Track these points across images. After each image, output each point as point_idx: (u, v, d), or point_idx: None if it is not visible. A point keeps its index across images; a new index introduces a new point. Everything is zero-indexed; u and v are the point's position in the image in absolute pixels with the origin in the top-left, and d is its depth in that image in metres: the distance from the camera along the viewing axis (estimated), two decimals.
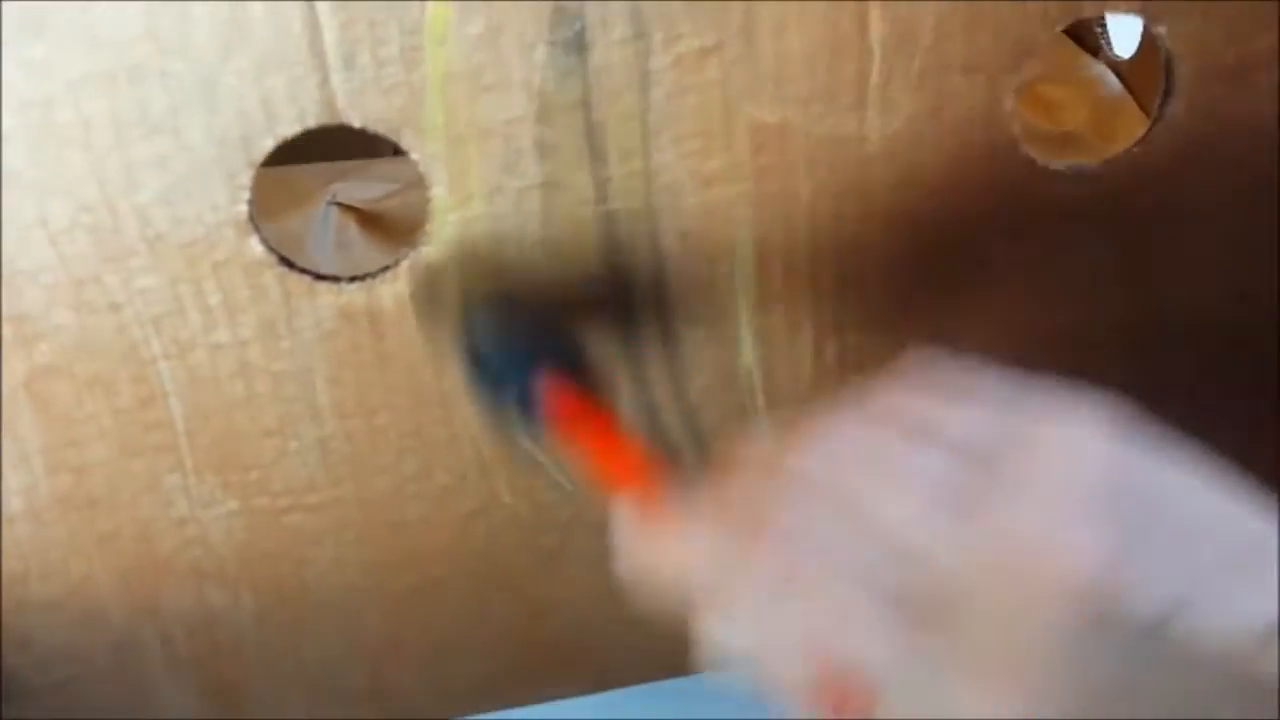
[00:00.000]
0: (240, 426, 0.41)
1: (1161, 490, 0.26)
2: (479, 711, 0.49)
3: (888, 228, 0.41)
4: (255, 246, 0.38)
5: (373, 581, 0.44)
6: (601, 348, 0.40)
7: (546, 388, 0.35)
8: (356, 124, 0.37)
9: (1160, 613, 0.24)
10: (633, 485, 0.32)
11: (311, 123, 0.36)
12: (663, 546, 0.30)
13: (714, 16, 0.36)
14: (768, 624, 0.27)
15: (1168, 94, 0.40)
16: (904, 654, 0.26)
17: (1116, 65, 0.66)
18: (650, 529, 0.30)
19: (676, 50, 0.37)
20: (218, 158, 0.36)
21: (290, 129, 0.36)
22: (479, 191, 0.38)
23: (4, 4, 0.33)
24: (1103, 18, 0.67)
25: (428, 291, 0.39)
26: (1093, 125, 0.65)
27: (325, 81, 0.36)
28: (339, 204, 0.61)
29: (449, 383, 0.41)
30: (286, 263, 0.38)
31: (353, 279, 0.39)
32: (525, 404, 0.35)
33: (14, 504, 0.40)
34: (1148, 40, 0.50)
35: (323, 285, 0.39)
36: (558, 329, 0.38)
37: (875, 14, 0.37)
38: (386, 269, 0.39)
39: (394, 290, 0.39)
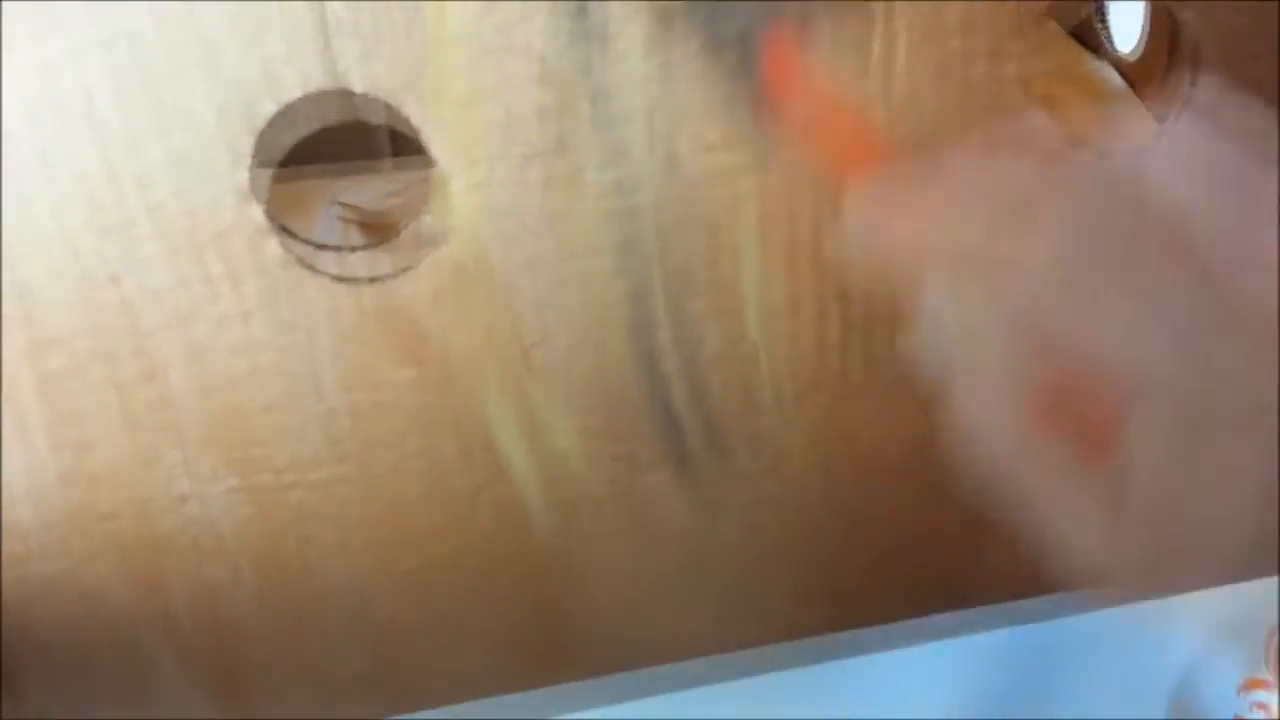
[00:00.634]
0: (242, 401, 0.40)
1: None
2: (489, 696, 0.48)
3: None
4: (257, 215, 0.38)
5: (376, 560, 0.44)
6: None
7: (776, 45, 0.34)
8: (358, 89, 0.36)
9: None
10: (863, 158, 0.31)
11: (312, 87, 0.36)
12: (901, 212, 0.29)
13: None
14: None
15: (1193, 79, 0.40)
16: None
17: (1118, 62, 0.66)
18: (888, 196, 0.30)
19: None
20: (219, 124, 0.36)
21: (291, 94, 0.36)
22: (481, 158, 0.38)
23: None
24: (1104, 14, 0.67)
25: None
26: (1096, 123, 0.65)
27: (327, 46, 0.36)
28: (342, 204, 0.61)
29: (453, 356, 0.41)
30: (288, 232, 0.38)
31: (354, 249, 0.39)
32: (749, 55, 0.34)
33: (15, 484, 0.40)
34: (1149, 37, 0.50)
35: (325, 255, 0.39)
36: None
37: None
38: (388, 240, 0.39)
39: (396, 261, 0.39)
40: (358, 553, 0.44)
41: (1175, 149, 0.28)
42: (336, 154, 0.67)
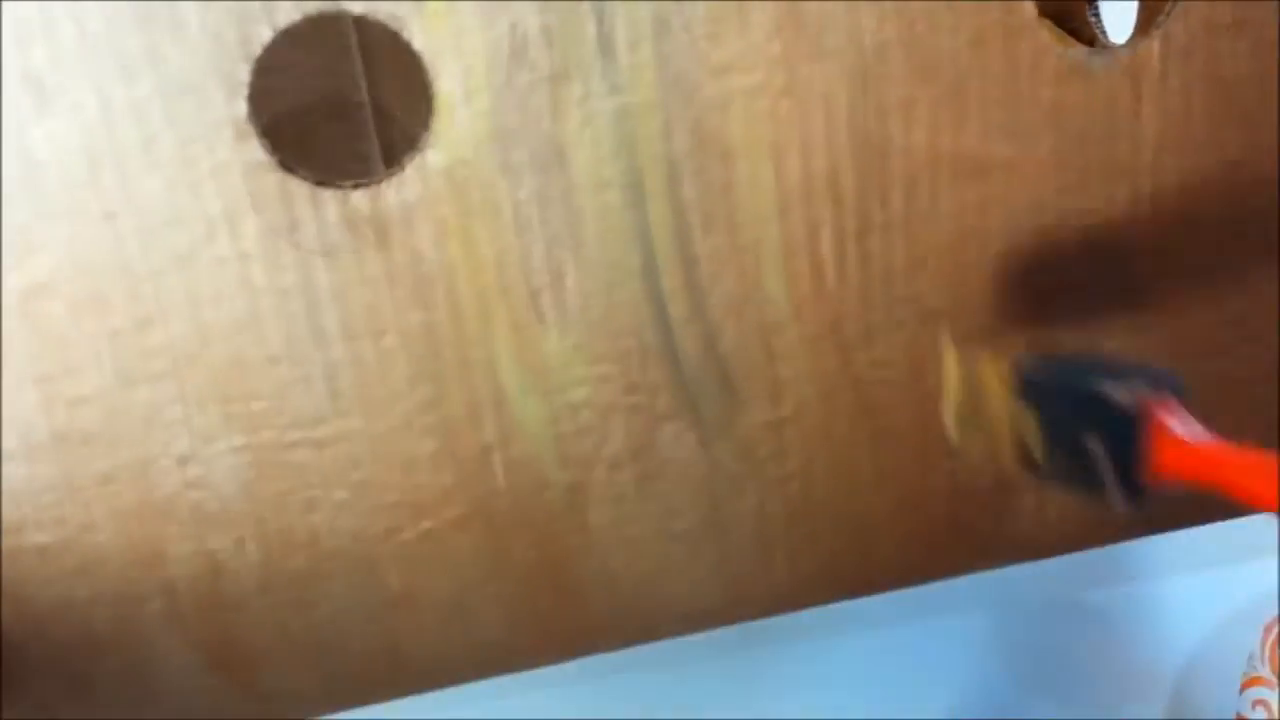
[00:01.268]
0: (243, 351, 0.39)
1: None
2: (501, 672, 0.46)
3: (906, 120, 0.40)
4: (255, 149, 0.36)
5: (384, 527, 0.42)
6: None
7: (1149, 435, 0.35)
8: (357, 11, 0.35)
9: None
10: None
11: (311, 10, 0.35)
12: None
13: None
14: None
15: None
16: None
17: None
18: None
19: None
20: (214, 52, 0.35)
21: (288, 17, 0.35)
22: (485, 85, 0.37)
23: None
24: (1096, 7, 0.67)
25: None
26: None
27: None
28: None
29: (461, 298, 0.39)
30: (287, 167, 0.37)
31: (356, 185, 0.38)
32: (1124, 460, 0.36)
33: (9, 441, 0.38)
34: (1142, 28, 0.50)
35: (326, 193, 0.38)
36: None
37: None
38: (392, 174, 0.38)
39: (401, 197, 0.38)
40: (365, 519, 0.42)
41: None
42: (330, 175, 0.66)
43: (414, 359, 0.40)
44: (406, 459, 0.42)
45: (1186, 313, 0.45)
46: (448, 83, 0.37)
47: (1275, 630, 0.74)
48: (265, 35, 0.35)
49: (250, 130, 0.36)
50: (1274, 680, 0.73)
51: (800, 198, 0.40)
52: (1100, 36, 0.67)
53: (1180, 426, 0.35)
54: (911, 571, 0.47)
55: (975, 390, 0.39)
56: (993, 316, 0.43)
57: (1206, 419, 0.35)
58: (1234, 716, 0.75)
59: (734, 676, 0.75)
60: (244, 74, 0.35)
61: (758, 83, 0.38)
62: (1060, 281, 0.43)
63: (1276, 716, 0.72)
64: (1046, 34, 0.39)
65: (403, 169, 0.38)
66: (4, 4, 0.33)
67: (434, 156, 0.38)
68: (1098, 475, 0.36)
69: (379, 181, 0.38)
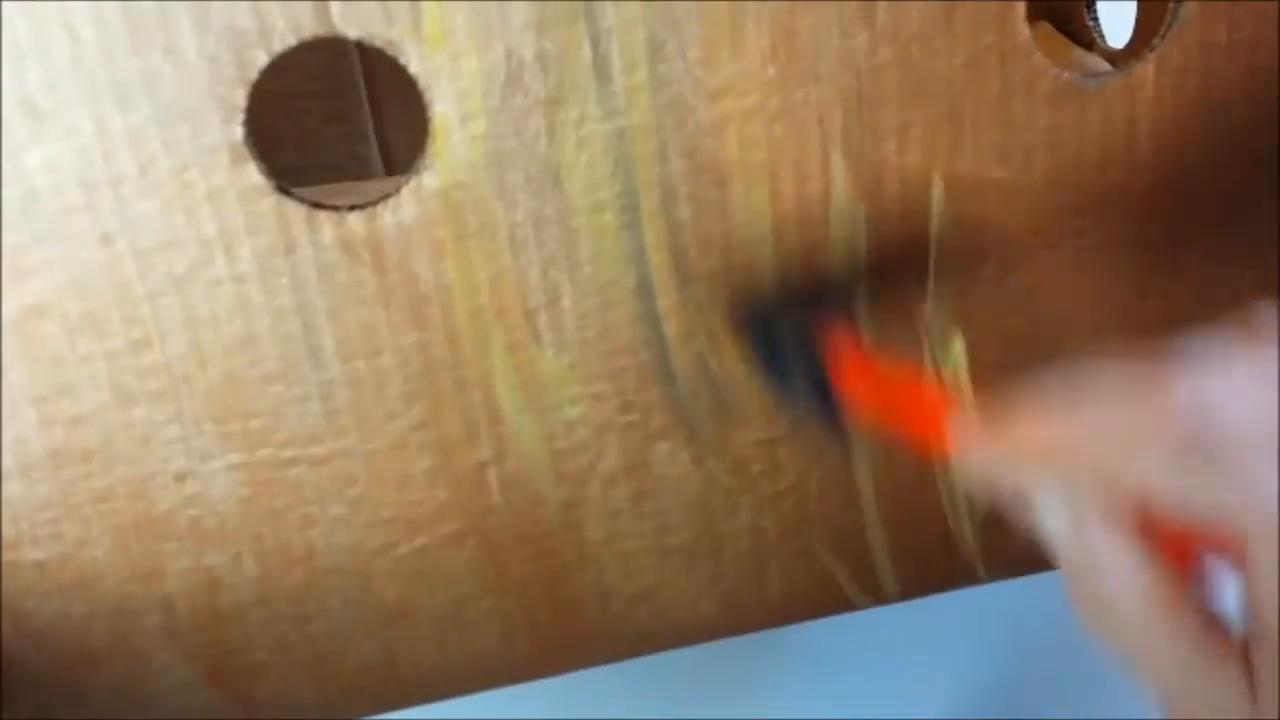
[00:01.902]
0: (240, 371, 0.39)
1: None
2: (497, 685, 0.46)
3: (901, 143, 0.40)
4: (252, 173, 0.37)
5: (381, 542, 0.42)
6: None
7: (830, 355, 0.38)
8: (353, 36, 0.35)
9: None
10: (942, 418, 0.34)
11: (307, 35, 0.35)
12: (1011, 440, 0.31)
13: None
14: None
15: None
16: None
17: (1111, 57, 0.65)
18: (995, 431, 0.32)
19: None
20: (210, 75, 0.35)
21: (284, 42, 0.35)
22: (481, 108, 0.37)
23: None
24: (1094, 10, 0.67)
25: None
26: None
27: None
28: None
29: (457, 319, 0.39)
30: (284, 190, 0.37)
31: (353, 207, 0.38)
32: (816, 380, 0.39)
33: (6, 460, 0.39)
34: (1140, 29, 0.50)
35: (322, 214, 0.38)
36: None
37: None
38: (388, 196, 0.38)
39: (396, 219, 0.38)
40: (361, 534, 0.43)
41: None
42: (329, 176, 0.67)
43: (410, 378, 0.40)
44: (402, 476, 0.42)
45: (1181, 331, 0.45)
46: (443, 106, 0.37)
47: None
48: (261, 60, 0.35)
49: (246, 154, 0.36)
50: None
51: (795, 219, 0.40)
52: (1099, 40, 0.67)
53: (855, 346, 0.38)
54: (906, 588, 0.47)
55: None
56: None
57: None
58: None
59: (733, 676, 0.75)
60: (240, 99, 0.36)
61: (752, 106, 0.39)
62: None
63: None
64: (1041, 57, 0.39)
65: (398, 192, 0.38)
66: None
67: (430, 179, 0.38)
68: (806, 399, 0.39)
69: (375, 204, 0.38)
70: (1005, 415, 0.32)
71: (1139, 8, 0.49)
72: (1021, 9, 0.38)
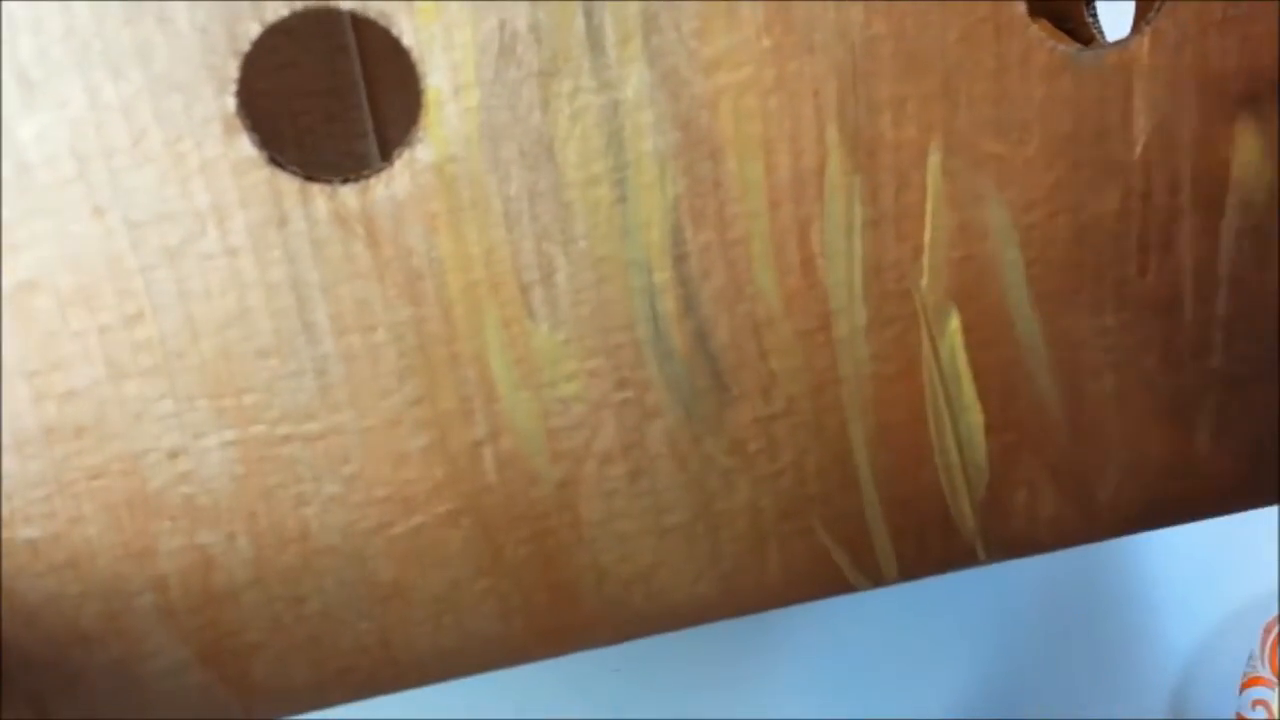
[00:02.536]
0: (233, 346, 0.39)
1: None
2: (494, 667, 0.46)
3: (897, 116, 0.40)
4: (245, 145, 0.36)
5: (375, 521, 0.42)
6: None
7: None
8: (345, 7, 0.35)
9: None
10: None
11: (299, 6, 0.35)
12: None
13: None
14: None
15: None
16: None
17: None
18: None
19: None
20: (203, 45, 0.35)
21: (276, 13, 0.35)
22: (475, 80, 0.37)
23: None
24: (1093, 7, 0.67)
25: None
26: None
27: None
28: None
29: (450, 294, 0.39)
30: (276, 162, 0.37)
31: (346, 180, 0.38)
32: None
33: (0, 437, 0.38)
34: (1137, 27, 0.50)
35: (315, 187, 0.38)
36: None
37: None
38: (381, 170, 0.38)
39: (390, 193, 0.38)
40: (356, 514, 0.42)
41: None
42: (328, 175, 0.67)
43: (404, 354, 0.40)
44: (397, 454, 0.42)
45: (1178, 310, 0.45)
46: (436, 79, 0.37)
47: (1275, 630, 0.74)
48: (254, 31, 0.35)
49: (239, 125, 0.36)
50: (1274, 680, 0.73)
51: (790, 193, 0.40)
52: (1099, 37, 0.67)
53: None
54: (905, 569, 0.47)
55: None
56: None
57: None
58: (1234, 716, 0.75)
59: (732, 676, 0.75)
60: (233, 69, 0.36)
61: (747, 79, 0.38)
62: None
63: (1276, 716, 0.72)
64: (1037, 30, 0.39)
65: (392, 165, 0.38)
66: None
67: (423, 152, 0.38)
68: None
69: (368, 176, 0.38)
70: None
71: (1137, 5, 0.49)
72: None
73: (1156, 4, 0.40)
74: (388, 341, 0.40)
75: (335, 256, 0.38)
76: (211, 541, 0.42)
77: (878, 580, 0.48)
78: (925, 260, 0.42)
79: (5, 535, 0.40)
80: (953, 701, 0.80)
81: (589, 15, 0.37)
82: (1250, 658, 0.76)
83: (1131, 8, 0.51)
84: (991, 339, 0.44)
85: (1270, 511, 0.54)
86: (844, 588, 0.48)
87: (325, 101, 0.69)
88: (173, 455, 0.40)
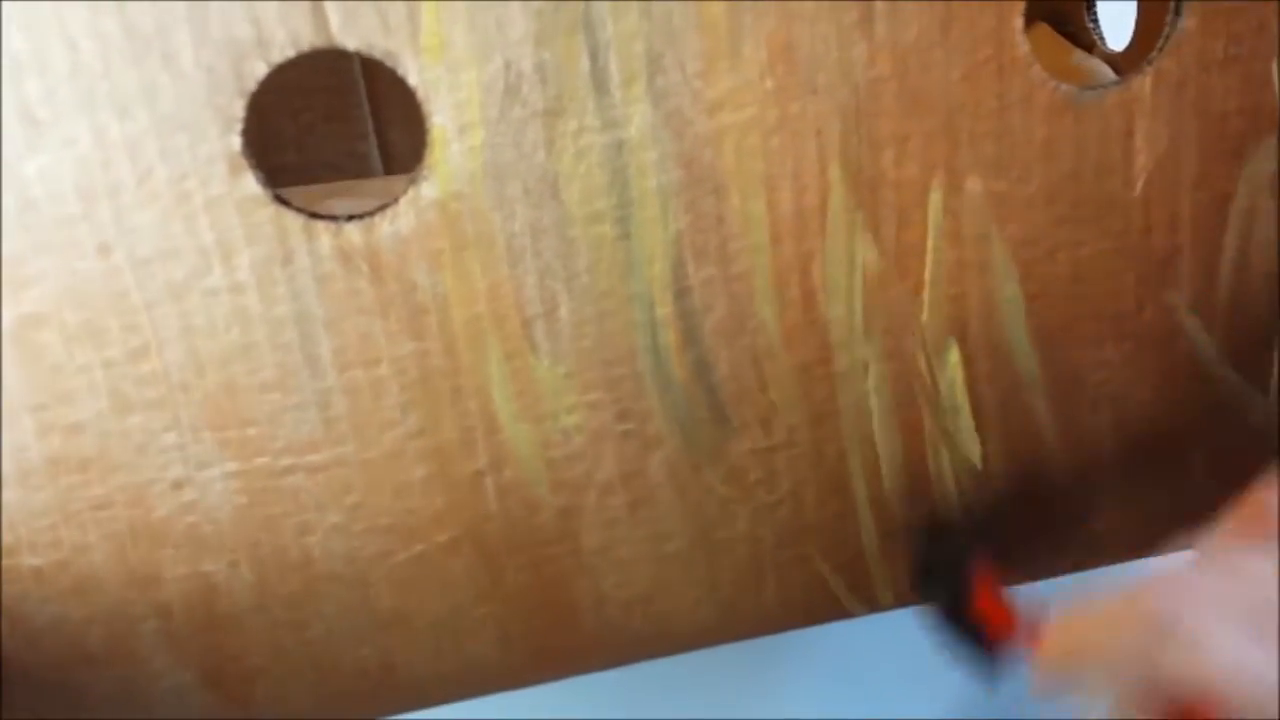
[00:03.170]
0: (237, 379, 0.39)
1: None
2: (494, 691, 0.46)
3: (899, 155, 0.40)
4: (250, 183, 0.37)
5: (377, 549, 0.43)
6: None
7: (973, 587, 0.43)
8: (351, 47, 0.35)
9: None
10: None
11: (305, 47, 0.35)
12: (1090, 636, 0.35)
13: None
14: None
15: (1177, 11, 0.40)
16: None
17: (1111, 59, 0.65)
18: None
19: None
20: (209, 85, 0.35)
21: (283, 54, 0.35)
22: (480, 120, 0.37)
23: None
24: (1094, 12, 0.67)
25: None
26: None
27: (319, 2, 0.35)
28: None
29: (453, 328, 0.40)
30: (281, 200, 0.37)
31: (350, 218, 0.38)
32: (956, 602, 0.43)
33: (4, 468, 0.39)
34: (1140, 32, 0.50)
35: (320, 225, 0.38)
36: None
37: None
38: (385, 206, 0.38)
39: (394, 229, 0.38)
40: (358, 542, 0.43)
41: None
42: (329, 175, 0.67)
43: (407, 387, 0.40)
44: (399, 484, 0.42)
45: (1175, 344, 0.45)
46: (441, 117, 0.37)
47: None
48: (260, 71, 0.35)
49: (244, 164, 0.36)
50: None
51: (793, 229, 0.40)
52: (1099, 42, 0.67)
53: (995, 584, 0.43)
54: (901, 597, 0.48)
55: None
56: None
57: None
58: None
59: (732, 676, 0.75)
60: (239, 109, 0.36)
61: (750, 118, 0.39)
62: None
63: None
64: (1039, 70, 0.39)
65: (396, 202, 0.38)
66: None
67: (428, 189, 0.38)
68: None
69: (372, 214, 0.38)
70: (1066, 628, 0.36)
71: (1139, 9, 0.49)
72: (1019, 23, 0.38)
73: (1159, 44, 0.40)
74: (391, 375, 0.40)
75: (339, 292, 0.39)
76: (215, 569, 0.42)
77: (874, 607, 0.48)
78: (926, 295, 0.43)
79: (10, 563, 0.40)
80: (953, 701, 0.81)
81: (594, 56, 0.37)
82: None
83: (1132, 9, 0.51)
84: (991, 372, 0.44)
85: None
86: (840, 614, 0.48)
87: (326, 100, 0.69)
88: (177, 486, 0.40)
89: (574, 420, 0.42)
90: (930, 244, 0.42)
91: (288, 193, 0.57)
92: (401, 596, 0.44)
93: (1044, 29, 0.70)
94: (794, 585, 0.47)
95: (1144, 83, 0.40)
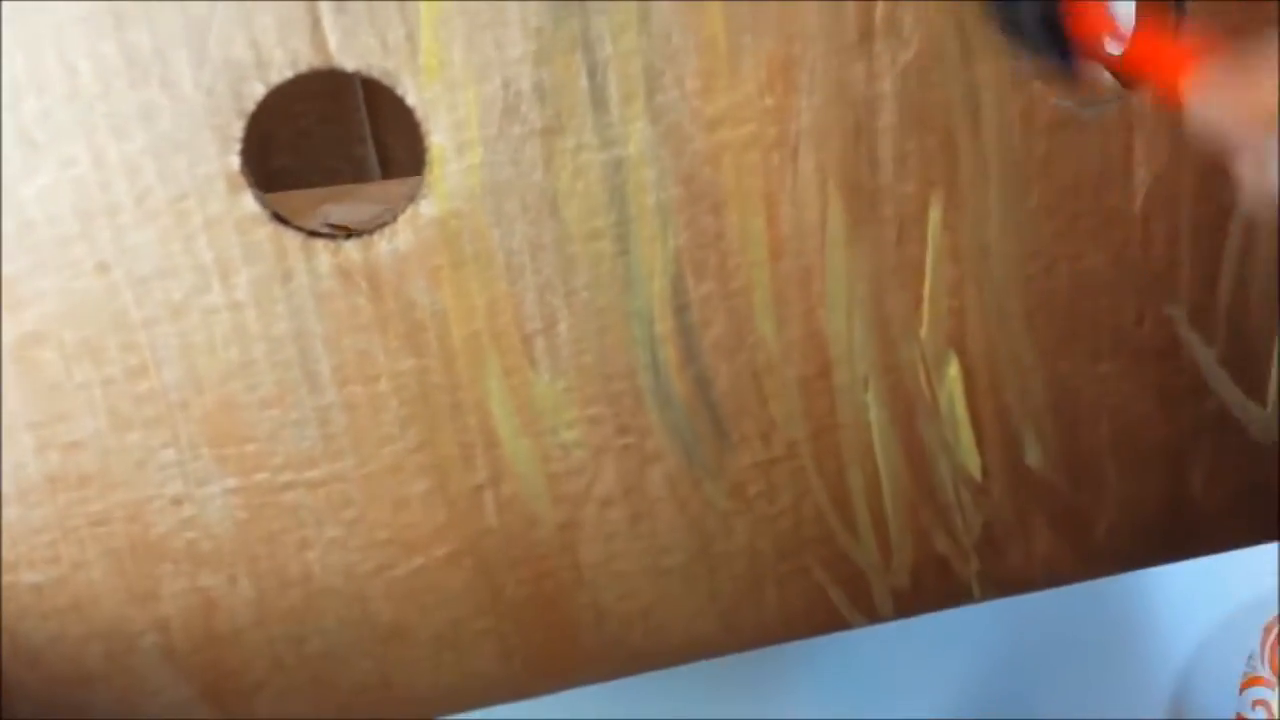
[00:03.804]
0: (236, 396, 0.39)
1: None
2: (493, 703, 0.47)
3: (899, 171, 0.40)
4: (249, 202, 0.37)
5: (377, 564, 0.43)
6: None
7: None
8: (350, 68, 0.35)
9: None
10: (1185, 60, 0.33)
11: (304, 68, 0.35)
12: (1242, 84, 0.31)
13: None
14: None
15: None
16: None
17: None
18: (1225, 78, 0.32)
19: None
20: (207, 106, 0.35)
21: (281, 74, 0.35)
22: (478, 138, 0.37)
23: None
24: None
25: None
26: None
27: (317, 23, 0.35)
28: (331, 225, 0.60)
29: (452, 344, 0.39)
30: (280, 219, 0.37)
31: (349, 235, 0.38)
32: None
33: (3, 486, 0.39)
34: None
35: (319, 243, 0.38)
36: None
37: None
38: (383, 225, 0.38)
39: (393, 247, 0.38)
40: (357, 556, 0.43)
41: None
42: (325, 179, 0.67)
43: (406, 403, 0.40)
44: (398, 498, 0.42)
45: (1174, 356, 0.45)
46: (440, 136, 0.37)
47: (1275, 630, 0.75)
48: (259, 92, 0.35)
49: (243, 183, 0.36)
50: (1274, 680, 0.74)
51: (792, 245, 0.40)
52: None
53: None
54: (901, 608, 0.48)
55: None
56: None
57: None
58: (1234, 716, 0.75)
59: (732, 677, 0.75)
60: (237, 129, 0.36)
61: (749, 135, 0.39)
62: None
63: (1276, 717, 0.72)
64: (1040, 86, 0.39)
65: (395, 220, 0.38)
66: None
67: (427, 207, 0.38)
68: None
69: (371, 232, 0.38)
70: (1245, 71, 0.32)
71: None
72: None
73: None
74: (390, 391, 0.40)
75: (338, 310, 0.39)
76: (214, 584, 0.42)
77: (874, 618, 0.48)
78: (925, 310, 0.43)
79: (9, 580, 0.40)
80: (953, 701, 0.81)
81: (593, 75, 0.37)
82: (1250, 658, 0.76)
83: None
84: (990, 386, 0.44)
85: None
86: (840, 625, 0.48)
87: (322, 103, 0.69)
88: (176, 502, 0.40)
89: (574, 435, 0.42)
90: (930, 259, 0.42)
91: (284, 196, 0.57)
92: (401, 611, 0.44)
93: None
94: (794, 597, 0.47)
95: (1143, 99, 0.40)
